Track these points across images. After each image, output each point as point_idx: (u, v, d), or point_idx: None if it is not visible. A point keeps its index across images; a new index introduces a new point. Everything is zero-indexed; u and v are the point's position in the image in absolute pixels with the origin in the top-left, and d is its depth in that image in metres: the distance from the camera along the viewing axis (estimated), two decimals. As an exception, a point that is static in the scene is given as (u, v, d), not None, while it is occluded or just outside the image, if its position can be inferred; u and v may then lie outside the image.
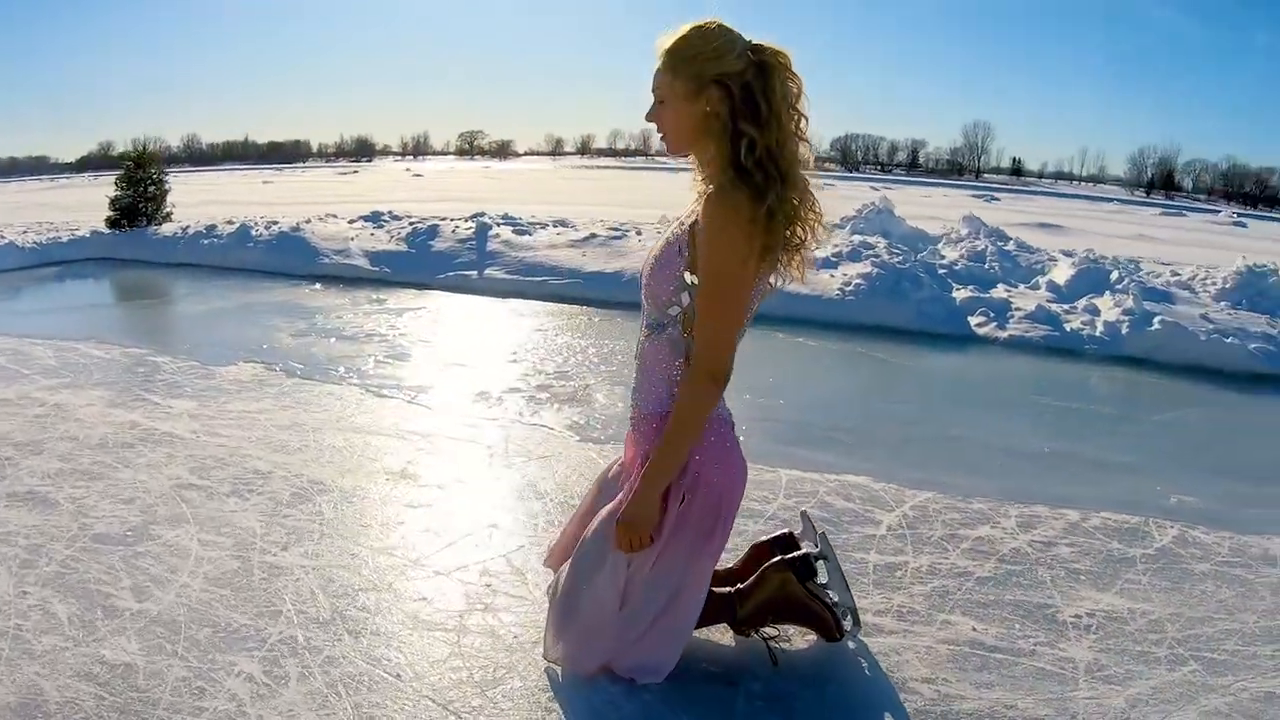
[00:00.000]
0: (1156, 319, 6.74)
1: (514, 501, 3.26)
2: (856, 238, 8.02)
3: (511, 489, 3.37)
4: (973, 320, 6.80)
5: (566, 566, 2.06)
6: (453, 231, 8.29)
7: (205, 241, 9.10)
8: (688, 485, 1.85)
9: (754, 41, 1.70)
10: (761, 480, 3.47)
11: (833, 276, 6.78)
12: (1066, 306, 7.23)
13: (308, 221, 9.55)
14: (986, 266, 7.94)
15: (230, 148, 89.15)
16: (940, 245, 8.68)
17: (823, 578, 2.36)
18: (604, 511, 2.00)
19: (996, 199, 28.74)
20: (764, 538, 2.41)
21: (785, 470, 3.61)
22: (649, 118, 1.76)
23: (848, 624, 2.35)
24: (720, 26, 1.68)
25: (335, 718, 1.97)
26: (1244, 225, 28.35)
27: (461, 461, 3.63)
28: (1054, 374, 6.13)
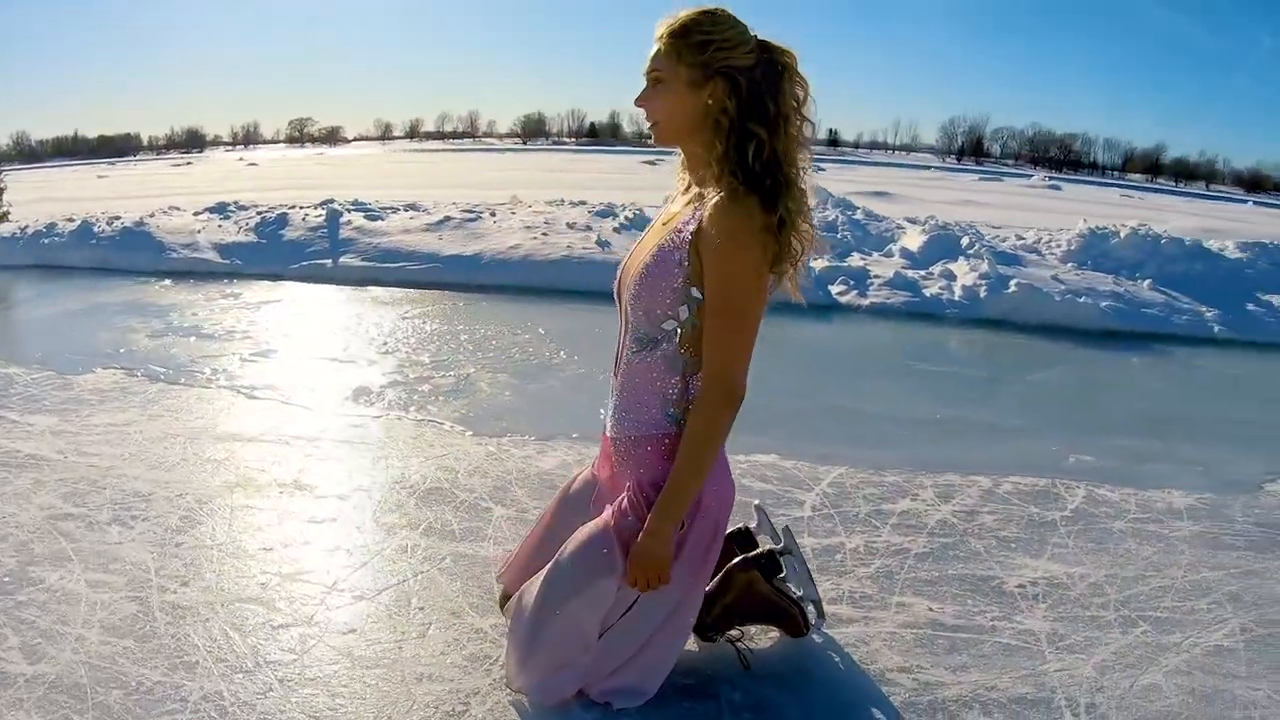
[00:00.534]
0: (1012, 282, 7.61)
1: (423, 510, 3.13)
2: None
3: (416, 495, 3.25)
4: (834, 289, 7.38)
5: (533, 587, 1.96)
6: (303, 220, 8.57)
7: (46, 240, 9.17)
8: (689, 512, 1.85)
9: (760, 37, 1.72)
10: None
11: None
12: (923, 272, 7.99)
13: (151, 216, 9.78)
14: (839, 236, 8.66)
15: (61, 143, 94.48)
16: None
17: (784, 572, 2.37)
18: (583, 534, 1.94)
19: (822, 169, 31.82)
20: None
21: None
22: (640, 101, 1.75)
23: (813, 617, 2.38)
24: (730, 15, 1.69)
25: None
26: (1059, 188, 33.35)
27: (355, 467, 3.52)
28: (921, 339, 6.72)
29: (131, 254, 8.72)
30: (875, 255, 8.39)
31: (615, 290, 1.95)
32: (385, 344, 5.45)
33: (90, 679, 2.13)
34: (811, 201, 1.83)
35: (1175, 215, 16.75)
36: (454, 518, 3.04)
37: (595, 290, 6.86)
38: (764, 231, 1.67)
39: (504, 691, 2.08)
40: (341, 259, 7.63)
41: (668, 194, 2.09)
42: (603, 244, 7.29)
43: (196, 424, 3.99)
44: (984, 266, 7.73)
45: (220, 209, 9.94)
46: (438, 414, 4.11)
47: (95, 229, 9.29)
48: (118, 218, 9.78)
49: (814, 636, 2.40)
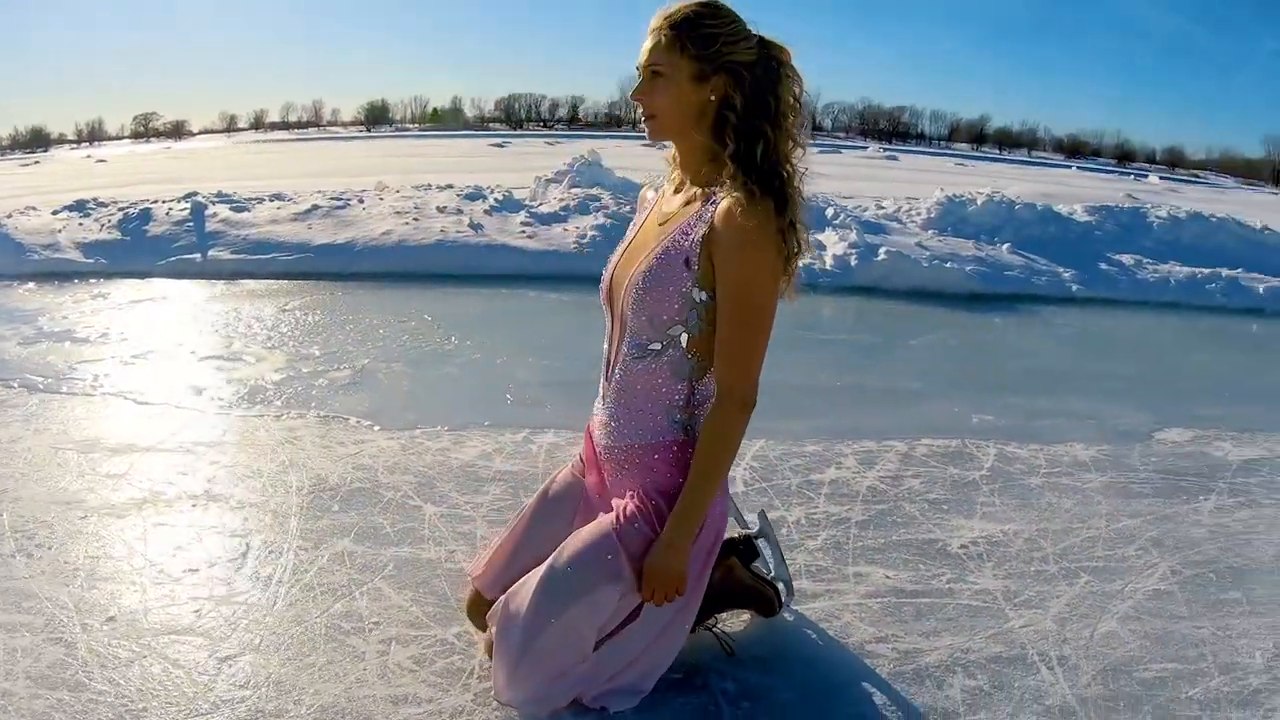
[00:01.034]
0: (881, 250, 8.01)
1: (349, 513, 2.93)
2: (578, 191, 8.58)
3: (339, 498, 3.05)
4: None
5: (522, 594, 1.87)
6: (167, 214, 8.41)
7: (-104, 246, 8.15)
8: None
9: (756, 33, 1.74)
10: None
11: (566, 230, 7.35)
12: None
13: (9, 216, 9.19)
14: None
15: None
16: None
17: (759, 555, 2.39)
18: (583, 539, 1.88)
19: (665, 146, 33.44)
20: None
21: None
22: (639, 95, 1.74)
23: (784, 595, 2.38)
24: (730, 8, 1.71)
25: None
26: (895, 159, 36.02)
27: (268, 472, 3.27)
28: (802, 308, 6.87)
29: (-11, 258, 8.08)
30: (744, 229, 8.57)
31: (604, 294, 1.92)
32: (270, 339, 5.20)
33: (30, 744, 1.86)
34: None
35: (1007, 181, 18.10)
36: (384, 520, 2.86)
37: (472, 274, 6.73)
38: (778, 234, 1.68)
39: (490, 707, 1.96)
40: (210, 252, 7.49)
41: (646, 188, 2.08)
42: (475, 226, 7.23)
43: (87, 435, 3.68)
44: (852, 236, 8.10)
45: (79, 207, 9.50)
46: (341, 409, 3.89)
47: (-52, 233, 8.47)
48: (-30, 220, 9.06)
49: (785, 615, 2.40)
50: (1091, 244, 8.82)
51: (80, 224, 8.78)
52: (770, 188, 1.69)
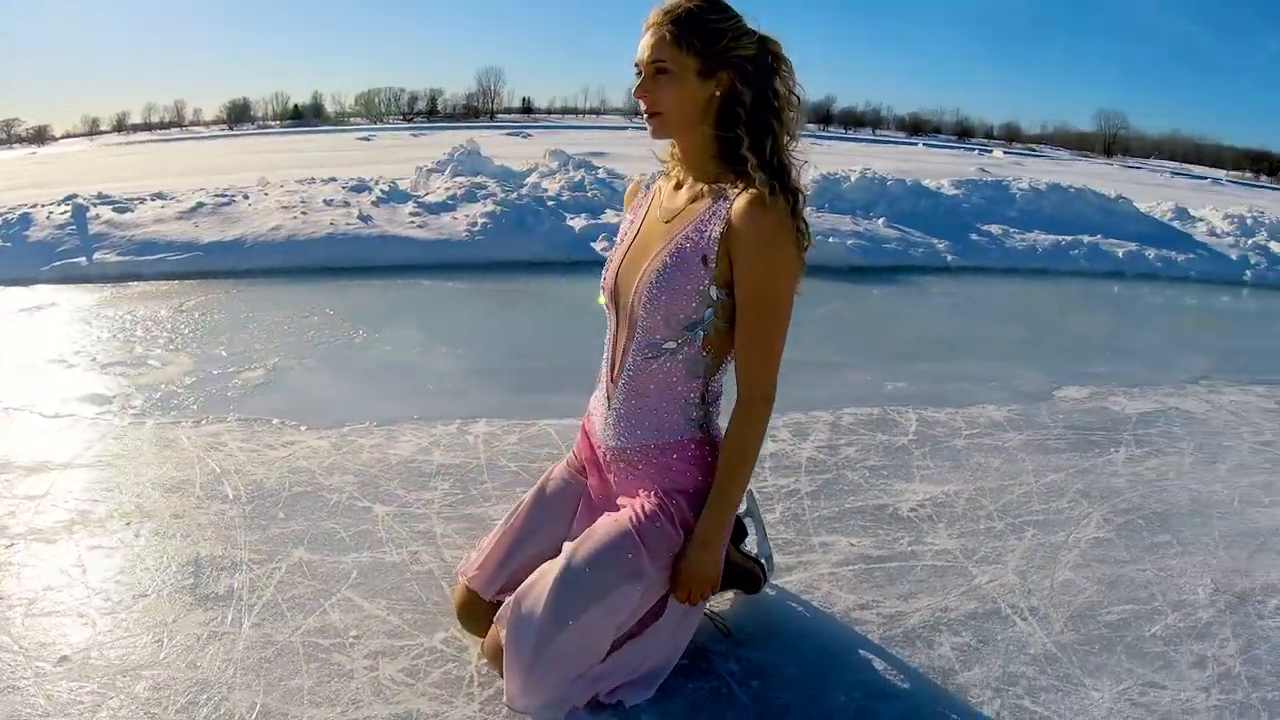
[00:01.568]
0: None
1: (296, 519, 2.71)
2: (461, 179, 8.42)
3: (282, 504, 2.81)
4: (597, 245, 7.56)
5: (532, 596, 1.78)
6: (47, 218, 7.88)
7: None
8: None
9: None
10: (573, 436, 3.45)
11: (455, 219, 7.23)
12: None
13: None
14: (590, 195, 8.99)
15: None
16: (531, 179, 9.51)
17: (747, 535, 2.39)
18: (598, 539, 1.82)
19: (529, 135, 33.37)
20: None
21: (553, 422, 3.58)
22: (642, 92, 1.71)
23: (767, 571, 2.37)
24: (725, 2, 1.71)
25: None
26: None
27: (201, 481, 2.96)
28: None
29: None
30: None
31: (609, 294, 1.87)
32: (172, 341, 4.84)
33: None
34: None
35: (863, 158, 18.87)
36: (335, 525, 2.66)
37: (365, 266, 6.46)
38: (796, 231, 1.68)
39: (500, 715, 1.87)
40: (96, 255, 7.13)
41: (635, 185, 2.05)
42: (365, 218, 6.99)
43: (-3, 454, 3.26)
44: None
45: (-48, 215, 8.46)
46: (261, 410, 3.62)
47: None
48: None
49: (767, 590, 2.40)
50: (960, 216, 9.26)
51: (-47, 234, 7.88)
52: (784, 183, 1.70)
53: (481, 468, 3.03)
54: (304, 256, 6.33)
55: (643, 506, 1.84)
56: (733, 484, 1.81)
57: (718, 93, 1.71)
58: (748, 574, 2.28)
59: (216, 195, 7.79)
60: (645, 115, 1.75)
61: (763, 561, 2.32)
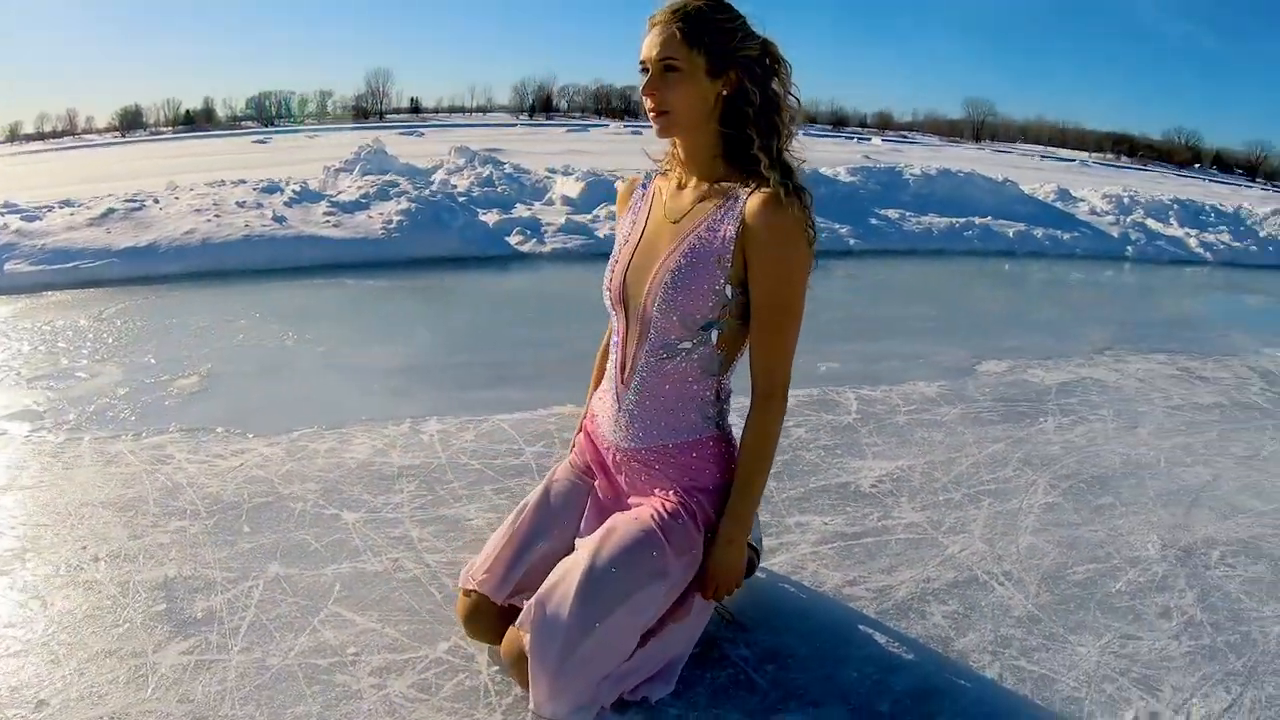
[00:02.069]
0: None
1: (264, 533, 2.54)
2: (371, 178, 8.23)
3: (245, 517, 2.64)
4: (512, 240, 7.51)
5: (554, 600, 1.72)
6: None
7: None
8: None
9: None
10: (531, 431, 3.38)
11: (370, 217, 7.07)
12: (589, 216, 8.42)
13: None
14: (499, 190, 8.93)
15: None
16: (438, 176, 9.38)
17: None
18: (620, 539, 1.78)
19: (422, 134, 32.97)
20: None
21: (505, 417, 3.52)
22: (651, 90, 1.68)
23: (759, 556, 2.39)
24: (728, 2, 1.70)
25: None
26: (639, 133, 37.75)
27: (155, 499, 2.75)
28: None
29: None
30: (537, 205, 8.67)
31: (615, 296, 1.84)
32: (97, 351, 4.54)
33: None
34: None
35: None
36: (306, 535, 2.52)
37: (283, 267, 6.21)
38: (809, 228, 1.70)
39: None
40: (7, 265, 6.76)
41: (628, 186, 2.01)
42: (279, 219, 6.73)
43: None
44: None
45: None
46: (203, 419, 3.40)
47: None
48: None
49: (758, 574, 2.41)
50: (859, 201, 9.54)
51: None
52: (795, 182, 1.71)
53: (444, 467, 2.95)
54: (221, 259, 6.06)
55: (664, 505, 1.83)
56: (756, 478, 1.82)
57: (724, 92, 1.71)
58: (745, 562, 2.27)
59: (127, 201, 7.47)
60: (652, 114, 1.72)
61: (755, 546, 2.32)
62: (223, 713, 1.79)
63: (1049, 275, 8.78)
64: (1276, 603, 2.51)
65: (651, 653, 1.83)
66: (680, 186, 1.85)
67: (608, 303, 1.89)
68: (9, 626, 2.06)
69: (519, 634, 1.75)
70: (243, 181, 7.96)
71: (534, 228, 7.67)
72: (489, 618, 1.90)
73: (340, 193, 7.50)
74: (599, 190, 8.93)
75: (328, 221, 6.70)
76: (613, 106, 78.76)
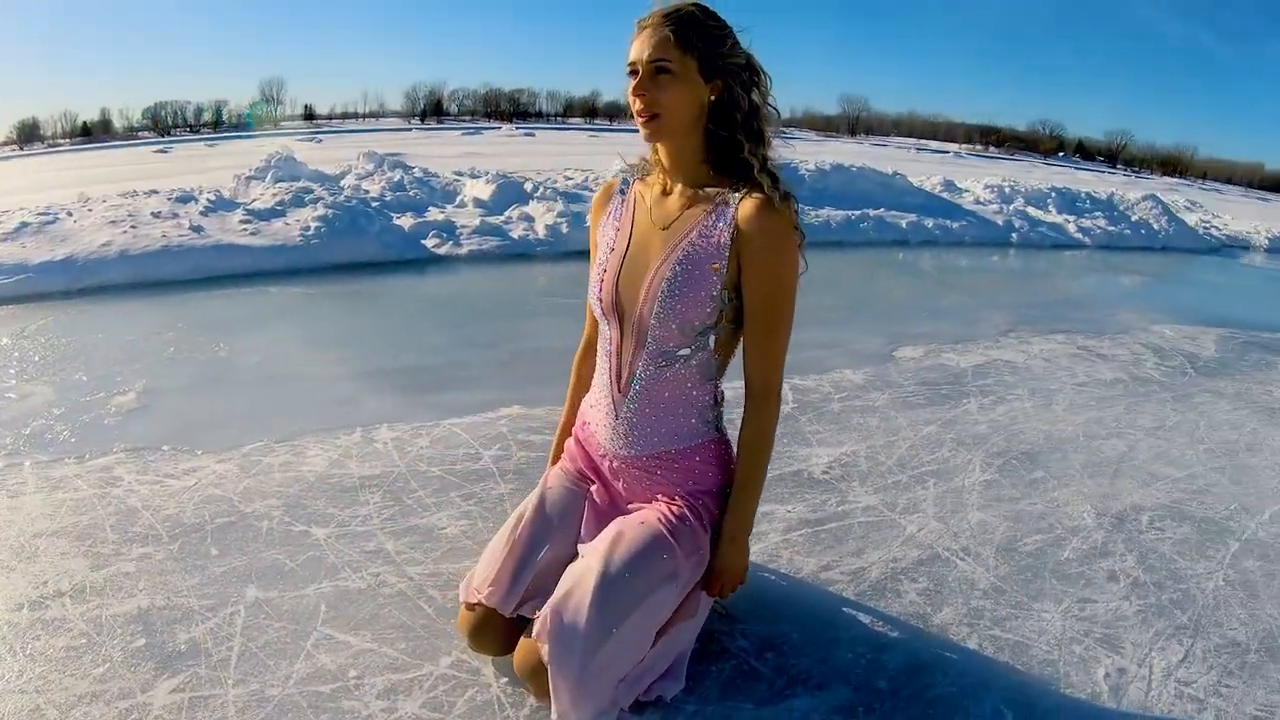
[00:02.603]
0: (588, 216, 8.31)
1: (236, 555, 2.37)
2: (284, 185, 7.96)
3: (212, 539, 2.45)
4: (429, 243, 7.37)
5: (569, 605, 1.70)
6: None
7: None
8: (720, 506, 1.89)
9: None
10: (485, 434, 3.30)
11: (288, 224, 6.82)
12: (502, 218, 8.34)
13: None
14: (411, 194, 8.77)
15: None
16: (349, 181, 9.15)
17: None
18: (631, 544, 1.77)
19: (320, 140, 32.02)
20: None
21: (456, 421, 3.45)
22: (642, 91, 1.66)
23: None
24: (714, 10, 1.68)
25: None
26: (533, 135, 37.59)
27: (112, 526, 2.54)
28: (541, 275, 6.98)
29: None
30: (450, 208, 8.55)
31: (608, 306, 1.81)
32: (24, 370, 4.21)
33: None
34: None
35: (643, 147, 19.46)
36: (278, 555, 2.40)
37: (204, 277, 5.91)
38: (799, 232, 1.72)
39: None
40: None
41: (604, 192, 1.97)
42: (196, 228, 6.41)
43: None
44: (559, 206, 8.28)
45: None
46: (148, 437, 3.18)
47: None
48: None
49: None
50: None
51: None
52: (783, 188, 1.73)
53: (405, 476, 2.88)
54: (140, 271, 5.75)
55: (670, 508, 1.83)
56: (757, 477, 1.84)
57: (712, 98, 1.71)
58: None
59: (39, 214, 7.04)
60: (642, 116, 1.69)
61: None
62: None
63: (944, 263, 9.14)
64: (1206, 561, 2.68)
65: (662, 651, 1.83)
66: (665, 192, 1.83)
67: (599, 312, 1.86)
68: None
69: (534, 645, 1.72)
70: (155, 192, 7.57)
71: (449, 230, 7.56)
72: (496, 630, 1.86)
73: (254, 200, 7.22)
74: (510, 192, 8.85)
75: (245, 230, 6.44)
76: (502, 110, 78.49)
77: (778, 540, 2.64)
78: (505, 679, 1.89)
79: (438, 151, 22.90)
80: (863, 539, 2.68)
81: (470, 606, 1.89)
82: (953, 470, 3.24)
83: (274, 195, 7.36)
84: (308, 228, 6.66)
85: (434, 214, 8.07)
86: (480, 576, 1.89)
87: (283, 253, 6.35)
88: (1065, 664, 2.11)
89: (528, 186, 9.08)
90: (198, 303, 5.26)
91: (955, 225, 10.00)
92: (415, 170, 9.65)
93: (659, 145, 1.78)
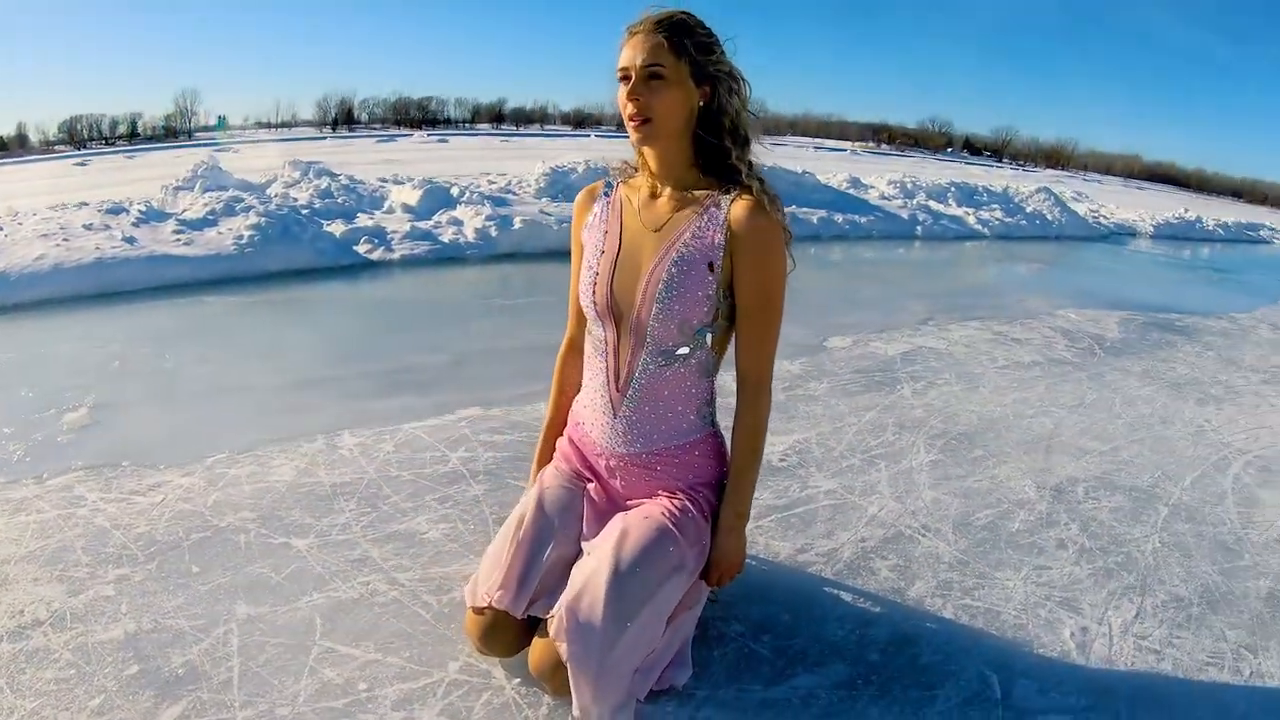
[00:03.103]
0: (517, 219, 8.23)
1: (216, 572, 2.23)
2: (213, 194, 7.68)
3: (191, 556, 2.30)
4: (361, 249, 7.21)
5: (583, 602, 1.70)
6: None
7: None
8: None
9: None
10: (448, 436, 3.24)
11: (221, 234, 6.59)
12: (431, 222, 8.22)
13: None
14: (340, 201, 8.55)
15: None
16: (277, 189, 8.88)
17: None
18: (638, 538, 1.77)
19: (236, 150, 31.01)
20: None
21: (416, 424, 3.38)
22: (637, 95, 1.66)
23: None
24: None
25: None
26: (446, 141, 37.00)
27: (84, 549, 2.37)
28: (475, 278, 6.91)
29: None
30: (378, 214, 8.38)
31: (603, 309, 1.81)
32: None
33: None
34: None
35: (554, 151, 19.36)
36: (262, 569, 2.30)
37: (140, 288, 5.60)
38: (785, 232, 1.75)
39: None
40: None
41: (587, 197, 1.96)
42: (129, 240, 6.10)
43: None
44: (486, 210, 8.22)
45: None
46: (105, 455, 3.00)
47: None
48: None
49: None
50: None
51: None
52: (771, 191, 1.77)
53: (376, 481, 2.83)
54: (75, 284, 5.44)
55: (672, 503, 1.85)
56: (752, 469, 1.87)
57: (701, 103, 1.74)
58: None
59: None
60: (634, 121, 1.70)
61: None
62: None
63: (856, 256, 9.38)
64: (1141, 525, 2.85)
65: (670, 641, 1.85)
66: (654, 195, 1.84)
67: (593, 314, 1.85)
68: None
69: (550, 644, 1.72)
70: (85, 204, 7.20)
71: (380, 236, 7.42)
72: (507, 632, 1.85)
73: (185, 211, 6.95)
74: (436, 197, 8.73)
75: (178, 240, 6.18)
76: (411, 117, 77.55)
77: (751, 527, 2.64)
78: (518, 679, 1.88)
79: (356, 159, 22.37)
80: (830, 521, 2.74)
81: (479, 611, 1.86)
82: (899, 452, 3.34)
83: (205, 205, 7.10)
84: (241, 236, 6.44)
85: (364, 220, 7.90)
86: (487, 580, 1.86)
87: (218, 262, 6.12)
88: (1034, 626, 2.22)
89: (454, 191, 8.98)
90: (137, 314, 5.02)
91: (864, 220, 10.28)
92: (341, 177, 9.42)
93: (647, 149, 1.79)
